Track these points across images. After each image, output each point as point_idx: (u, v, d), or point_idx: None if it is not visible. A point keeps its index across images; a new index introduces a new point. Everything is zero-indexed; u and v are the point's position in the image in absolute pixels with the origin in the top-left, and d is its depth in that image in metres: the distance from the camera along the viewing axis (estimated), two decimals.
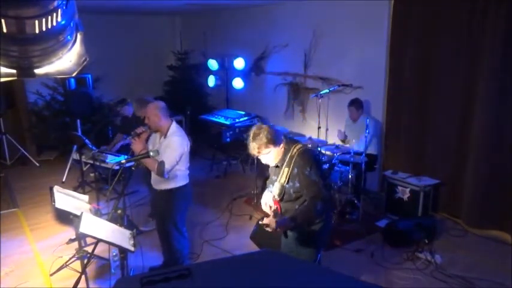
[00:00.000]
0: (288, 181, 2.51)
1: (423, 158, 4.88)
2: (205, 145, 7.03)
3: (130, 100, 5.42)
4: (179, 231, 3.41)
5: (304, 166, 2.48)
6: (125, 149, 5.26)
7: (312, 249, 2.65)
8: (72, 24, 1.76)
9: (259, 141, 2.46)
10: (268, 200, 2.65)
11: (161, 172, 3.09)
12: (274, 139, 2.47)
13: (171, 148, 3.14)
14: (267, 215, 2.65)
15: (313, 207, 2.43)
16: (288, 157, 2.52)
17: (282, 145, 2.52)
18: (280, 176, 2.54)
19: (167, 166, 3.08)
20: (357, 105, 4.93)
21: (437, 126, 4.69)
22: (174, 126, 3.27)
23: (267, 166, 2.88)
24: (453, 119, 4.53)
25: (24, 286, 3.50)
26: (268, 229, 2.43)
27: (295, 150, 2.53)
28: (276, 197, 2.56)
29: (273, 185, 2.63)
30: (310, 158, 2.54)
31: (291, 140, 2.64)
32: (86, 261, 3.28)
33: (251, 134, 2.52)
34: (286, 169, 2.50)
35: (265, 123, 2.68)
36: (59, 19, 1.47)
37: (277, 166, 2.60)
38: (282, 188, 2.53)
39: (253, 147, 2.50)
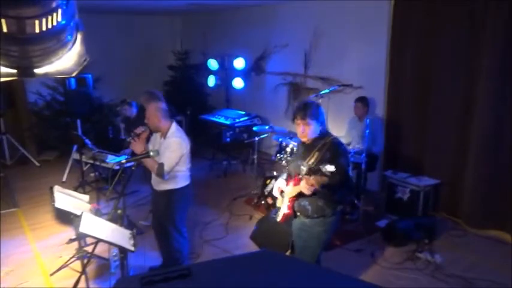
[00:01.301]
0: (316, 164, 2.59)
1: (423, 158, 4.88)
2: (205, 145, 7.03)
3: (130, 100, 5.44)
4: (179, 232, 3.41)
5: (339, 154, 2.61)
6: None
7: (320, 240, 2.77)
8: (72, 24, 1.76)
9: (309, 110, 2.62)
10: (282, 184, 2.87)
11: (161, 174, 3.09)
12: (318, 116, 2.63)
13: (170, 150, 3.13)
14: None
15: (337, 188, 2.57)
16: (321, 143, 2.64)
17: (320, 128, 2.66)
18: (309, 158, 2.64)
19: (166, 168, 3.08)
20: (364, 102, 4.92)
21: (437, 126, 4.69)
22: (174, 127, 3.26)
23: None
24: (453, 119, 4.53)
25: (24, 286, 3.50)
26: (305, 185, 2.51)
27: (329, 139, 2.66)
28: (301, 176, 2.64)
29: (298, 168, 2.74)
30: (345, 150, 2.71)
31: (327, 131, 2.78)
32: (86, 261, 3.29)
33: (304, 101, 2.79)
34: (317, 153, 2.61)
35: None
36: (59, 19, 1.47)
37: (307, 146, 2.73)
38: (309, 168, 2.61)
39: (299, 111, 2.65)
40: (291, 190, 2.75)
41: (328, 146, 2.61)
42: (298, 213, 2.80)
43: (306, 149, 2.74)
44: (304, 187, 2.52)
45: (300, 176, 2.64)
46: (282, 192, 2.89)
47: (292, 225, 2.88)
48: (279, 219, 2.89)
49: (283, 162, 3.04)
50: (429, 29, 4.57)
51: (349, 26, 5.49)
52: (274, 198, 4.61)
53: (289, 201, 2.78)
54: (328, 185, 2.47)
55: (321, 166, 2.40)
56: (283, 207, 2.85)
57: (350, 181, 2.77)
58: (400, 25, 4.85)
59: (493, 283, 3.47)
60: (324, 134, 2.71)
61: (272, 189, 4.66)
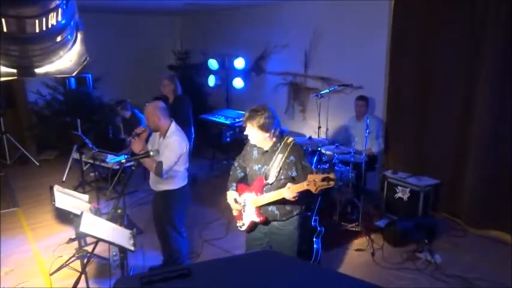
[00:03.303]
0: (281, 168, 2.54)
1: (423, 158, 4.88)
2: (205, 145, 7.03)
3: (126, 102, 5.52)
4: (178, 232, 3.41)
5: (302, 156, 2.59)
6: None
7: (293, 239, 2.74)
8: (72, 23, 1.76)
9: (253, 118, 2.50)
10: (236, 195, 2.77)
11: (159, 172, 3.09)
12: (265, 127, 2.51)
13: (169, 149, 3.13)
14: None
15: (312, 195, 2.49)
16: (282, 145, 2.57)
17: (269, 135, 2.55)
18: (272, 162, 2.57)
19: (165, 167, 3.08)
20: (365, 100, 4.94)
21: (437, 126, 4.69)
22: (173, 126, 3.26)
23: None
24: (453, 119, 4.53)
25: (24, 285, 3.50)
26: (290, 192, 2.41)
27: (290, 140, 2.60)
28: (269, 181, 2.57)
29: (255, 173, 2.67)
30: (304, 151, 2.70)
31: (283, 132, 2.71)
32: (85, 260, 3.28)
33: (253, 108, 2.56)
34: (280, 155, 2.55)
35: None
36: (60, 18, 1.47)
37: (266, 151, 2.63)
38: (277, 173, 2.56)
39: (245, 117, 2.57)
40: (257, 199, 2.61)
41: (290, 149, 2.53)
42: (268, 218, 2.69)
43: (263, 152, 2.64)
44: (290, 195, 2.41)
45: (267, 182, 2.57)
46: (236, 201, 2.76)
47: (258, 230, 2.78)
48: (244, 228, 2.78)
49: (236, 165, 2.93)
50: (429, 29, 4.57)
51: (349, 26, 5.49)
52: None
53: (255, 210, 2.65)
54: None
55: (313, 172, 2.36)
56: (249, 216, 2.71)
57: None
58: (400, 25, 4.85)
59: (493, 283, 3.47)
60: (281, 135, 2.62)
61: None
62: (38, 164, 6.75)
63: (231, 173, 2.92)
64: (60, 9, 1.43)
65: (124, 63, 8.31)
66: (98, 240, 2.46)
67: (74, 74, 2.09)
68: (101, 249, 3.56)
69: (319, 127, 5.40)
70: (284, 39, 6.53)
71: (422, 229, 4.10)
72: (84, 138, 4.97)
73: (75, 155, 5.57)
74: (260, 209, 2.65)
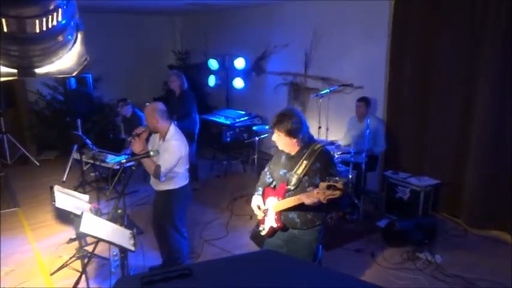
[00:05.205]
0: (305, 174, 2.49)
1: (423, 158, 4.88)
2: (206, 145, 7.03)
3: (128, 100, 5.53)
4: (179, 232, 3.41)
5: (329, 165, 2.53)
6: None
7: (311, 250, 2.68)
8: (72, 23, 1.76)
9: (280, 123, 2.47)
10: (259, 201, 2.72)
11: (158, 175, 3.09)
12: (293, 133, 2.47)
13: (169, 152, 3.13)
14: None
15: (339, 200, 2.41)
16: (309, 151, 2.51)
17: (296, 141, 2.50)
18: (297, 167, 2.52)
19: (163, 169, 3.08)
20: (366, 102, 4.94)
21: (437, 126, 4.69)
22: (172, 129, 3.26)
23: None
24: (453, 119, 4.53)
25: (25, 285, 3.50)
26: (310, 199, 2.31)
27: (317, 146, 2.54)
28: (291, 187, 2.53)
29: (281, 178, 2.62)
30: (332, 158, 2.63)
31: (312, 138, 2.64)
32: (86, 260, 3.28)
33: (282, 111, 2.53)
34: (305, 162, 2.49)
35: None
36: (60, 18, 1.47)
37: (292, 157, 2.58)
38: (299, 179, 2.51)
39: (272, 123, 2.54)
40: (278, 204, 2.58)
41: (317, 155, 2.48)
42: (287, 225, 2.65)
43: (290, 157, 2.59)
44: (309, 201, 2.33)
45: (289, 187, 2.53)
46: (259, 207, 2.72)
47: (278, 236, 2.72)
48: (264, 233, 2.74)
49: (266, 170, 2.85)
50: (429, 29, 4.57)
51: (349, 26, 5.49)
52: None
53: (275, 215, 2.62)
54: (337, 198, 2.27)
55: (331, 180, 2.26)
56: (269, 221, 2.69)
57: (349, 190, 2.66)
58: (400, 25, 4.85)
59: (493, 283, 3.47)
60: (310, 141, 2.57)
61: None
62: (38, 164, 6.75)
63: (260, 177, 2.88)
64: (60, 10, 1.43)
65: (124, 63, 8.31)
66: (98, 240, 2.46)
67: (74, 74, 2.09)
68: (101, 249, 3.57)
69: (320, 127, 5.40)
70: (284, 39, 6.53)
71: (422, 229, 4.10)
72: (84, 138, 4.97)
73: (75, 155, 5.58)
74: (280, 215, 2.61)
